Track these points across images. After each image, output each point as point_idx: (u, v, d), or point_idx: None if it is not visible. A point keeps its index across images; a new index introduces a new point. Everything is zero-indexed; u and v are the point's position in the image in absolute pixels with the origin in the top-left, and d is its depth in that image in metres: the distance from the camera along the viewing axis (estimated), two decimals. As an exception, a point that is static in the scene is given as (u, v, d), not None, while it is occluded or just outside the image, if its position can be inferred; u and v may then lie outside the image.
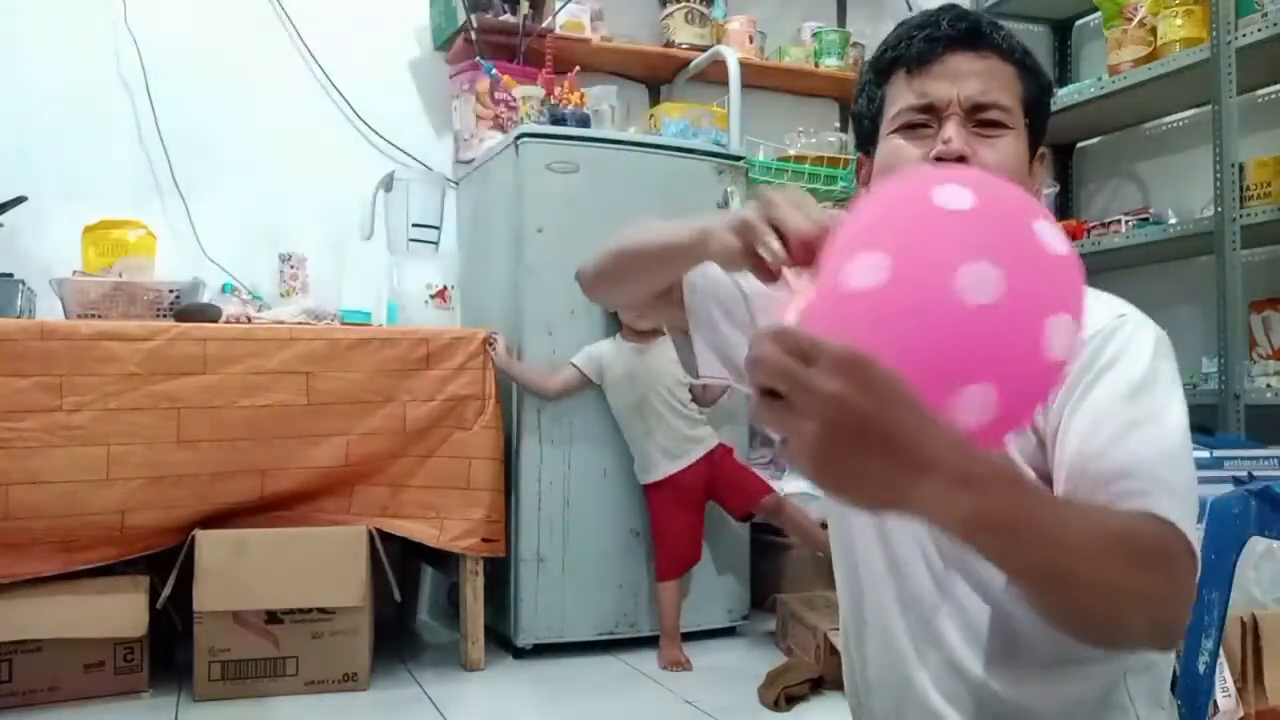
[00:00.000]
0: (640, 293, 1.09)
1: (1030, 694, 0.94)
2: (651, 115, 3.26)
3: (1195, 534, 0.82)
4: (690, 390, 2.68)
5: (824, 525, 2.44)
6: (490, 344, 2.57)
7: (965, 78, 0.97)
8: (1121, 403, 0.86)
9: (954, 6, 1.01)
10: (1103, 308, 0.92)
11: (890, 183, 0.70)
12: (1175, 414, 0.86)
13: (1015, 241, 0.67)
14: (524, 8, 3.14)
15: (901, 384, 0.60)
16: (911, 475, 0.60)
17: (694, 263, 0.98)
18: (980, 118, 0.96)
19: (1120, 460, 0.82)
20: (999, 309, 0.64)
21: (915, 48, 0.99)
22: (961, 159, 0.94)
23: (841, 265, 0.67)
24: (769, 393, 0.61)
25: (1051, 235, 0.69)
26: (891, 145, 0.99)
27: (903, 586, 1.00)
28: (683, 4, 3.40)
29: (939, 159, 0.94)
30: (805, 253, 0.78)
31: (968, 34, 0.98)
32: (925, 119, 0.97)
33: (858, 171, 1.10)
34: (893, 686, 1.02)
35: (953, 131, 0.95)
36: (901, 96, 0.99)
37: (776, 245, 0.79)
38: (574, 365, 2.67)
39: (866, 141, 1.05)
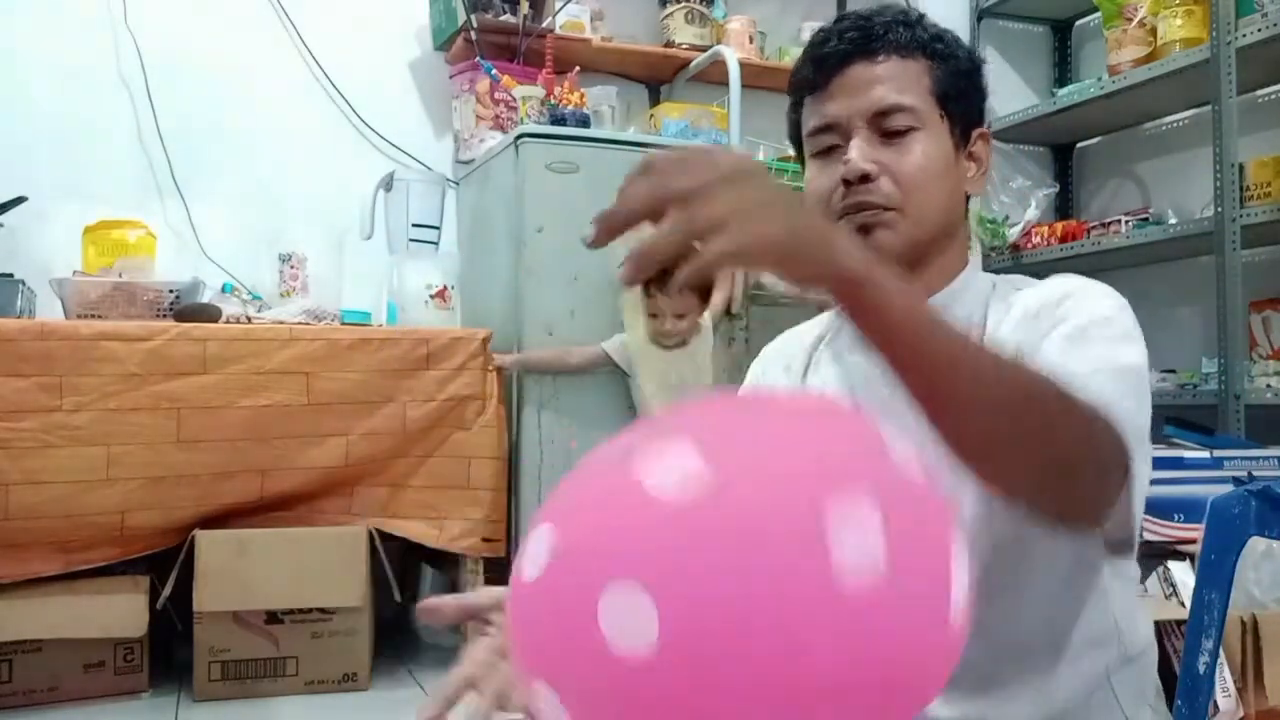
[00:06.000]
0: None
1: (1012, 694, 0.93)
2: (651, 115, 3.26)
3: (1142, 453, 0.80)
4: None
5: None
6: (501, 367, 2.58)
7: (863, 89, 0.94)
8: (1069, 340, 0.86)
9: (851, 15, 0.98)
10: (1054, 282, 0.94)
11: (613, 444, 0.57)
12: (1129, 350, 0.86)
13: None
14: (524, 8, 3.14)
15: None
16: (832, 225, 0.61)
17: None
18: (885, 126, 0.94)
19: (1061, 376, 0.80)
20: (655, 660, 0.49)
21: (809, 70, 0.98)
22: (865, 178, 0.93)
23: (526, 546, 0.56)
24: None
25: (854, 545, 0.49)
26: (808, 173, 1.00)
27: None
28: (683, 4, 3.40)
29: (845, 181, 0.94)
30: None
31: (861, 42, 0.95)
32: (834, 140, 0.96)
33: None
34: None
35: (854, 150, 0.93)
36: (809, 119, 0.99)
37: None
38: (604, 350, 2.58)
39: (803, 164, 1.04)
